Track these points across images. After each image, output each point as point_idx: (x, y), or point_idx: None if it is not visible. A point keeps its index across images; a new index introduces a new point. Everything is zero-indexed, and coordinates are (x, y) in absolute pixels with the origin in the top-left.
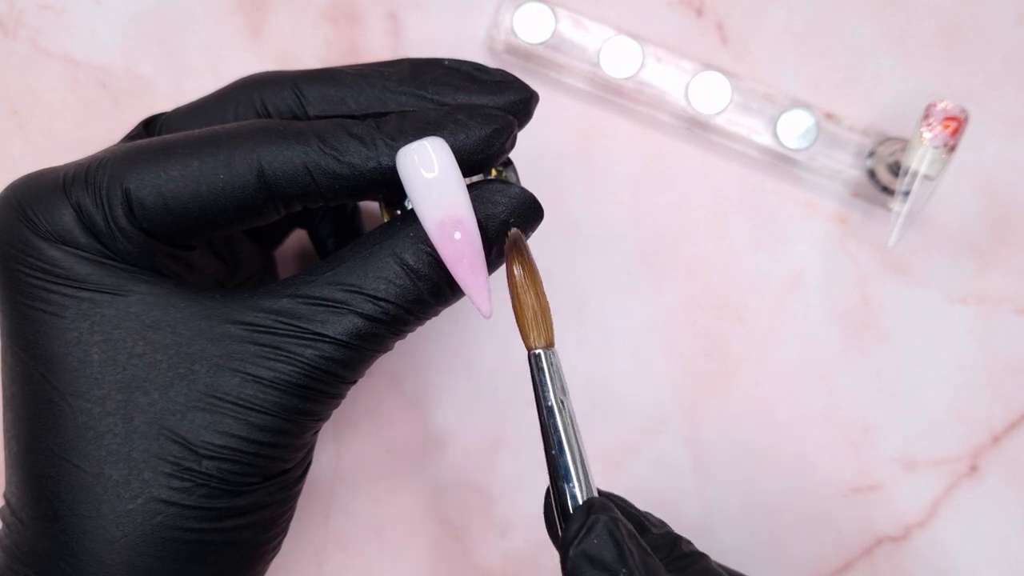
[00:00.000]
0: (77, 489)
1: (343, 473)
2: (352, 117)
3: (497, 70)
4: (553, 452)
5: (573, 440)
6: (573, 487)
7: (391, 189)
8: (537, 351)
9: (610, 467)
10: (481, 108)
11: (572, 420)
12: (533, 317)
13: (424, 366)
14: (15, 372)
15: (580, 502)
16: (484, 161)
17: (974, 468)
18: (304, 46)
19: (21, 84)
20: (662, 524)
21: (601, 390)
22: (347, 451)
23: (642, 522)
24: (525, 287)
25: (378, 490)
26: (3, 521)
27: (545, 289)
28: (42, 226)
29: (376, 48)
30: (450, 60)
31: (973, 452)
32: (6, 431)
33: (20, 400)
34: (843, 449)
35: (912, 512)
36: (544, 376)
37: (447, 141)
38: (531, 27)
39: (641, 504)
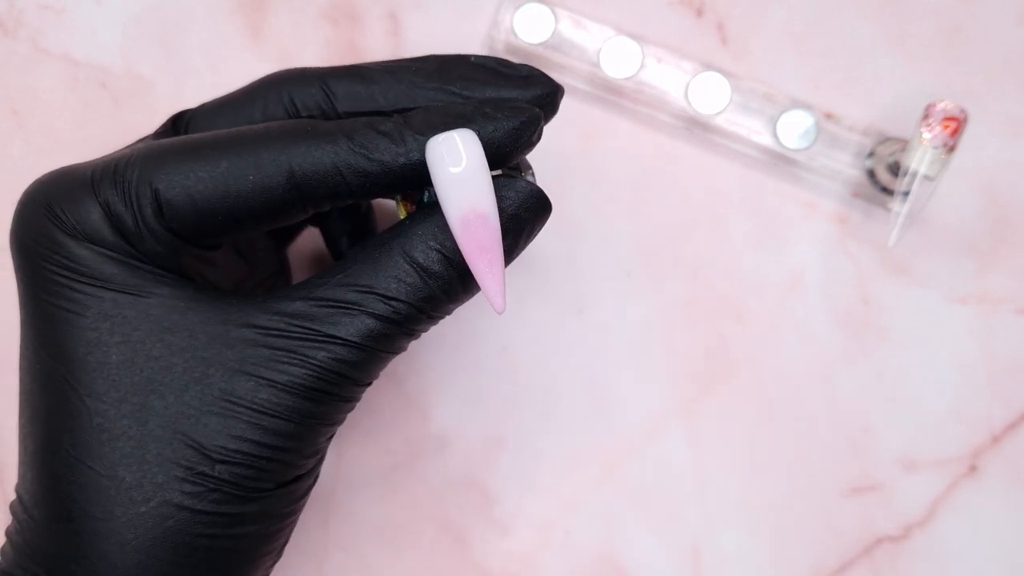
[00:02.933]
0: (90, 490)
1: (343, 473)
2: (380, 113)
3: (523, 65)
4: None
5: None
6: None
7: (420, 184)
8: None
9: (610, 467)
10: (508, 101)
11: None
12: None
13: (424, 366)
14: (34, 369)
15: None
16: (511, 154)
17: (974, 468)
18: (304, 46)
19: (21, 84)
20: None
21: (601, 390)
22: (347, 451)
23: None
24: None
25: (378, 490)
26: (15, 517)
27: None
28: (69, 223)
29: (376, 48)
30: (476, 56)
31: (973, 452)
32: (22, 427)
33: (38, 398)
34: (843, 449)
35: (912, 512)
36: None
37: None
38: (531, 27)
39: (641, 504)
